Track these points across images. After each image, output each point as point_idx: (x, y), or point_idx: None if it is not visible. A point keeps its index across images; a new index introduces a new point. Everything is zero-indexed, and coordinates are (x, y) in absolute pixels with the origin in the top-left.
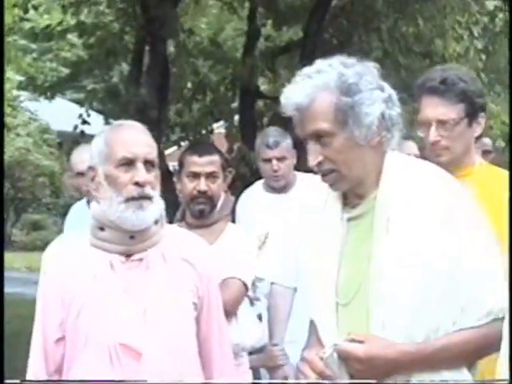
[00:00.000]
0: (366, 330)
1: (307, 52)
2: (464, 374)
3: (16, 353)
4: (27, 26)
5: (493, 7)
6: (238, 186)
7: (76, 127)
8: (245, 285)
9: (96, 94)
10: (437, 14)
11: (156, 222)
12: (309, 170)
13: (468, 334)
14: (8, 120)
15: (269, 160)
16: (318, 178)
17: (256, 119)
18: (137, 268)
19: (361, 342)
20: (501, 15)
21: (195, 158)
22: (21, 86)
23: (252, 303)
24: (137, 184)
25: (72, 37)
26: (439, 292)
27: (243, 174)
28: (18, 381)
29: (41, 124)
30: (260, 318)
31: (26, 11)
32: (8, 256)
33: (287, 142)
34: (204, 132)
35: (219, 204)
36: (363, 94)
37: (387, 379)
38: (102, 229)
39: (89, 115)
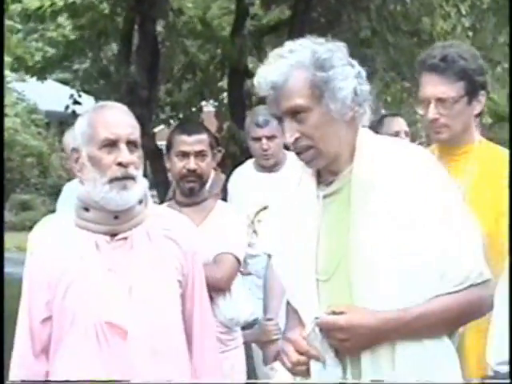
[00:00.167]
0: (347, 303)
1: (295, 31)
2: (445, 342)
3: (8, 331)
4: (18, 7)
5: None
6: (227, 165)
7: (67, 107)
8: (237, 260)
9: (87, 75)
10: None
11: (140, 202)
12: None
13: (447, 299)
14: None
15: (258, 139)
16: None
17: (245, 98)
18: (122, 247)
19: (341, 313)
20: None
21: (184, 137)
22: (13, 68)
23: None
24: (120, 164)
25: (59, 17)
26: (418, 261)
27: (233, 152)
28: (18, 381)
29: (28, 104)
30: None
31: None
32: None
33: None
34: (194, 110)
35: (209, 182)
36: (336, 69)
37: (370, 348)
38: (86, 209)
39: (80, 95)
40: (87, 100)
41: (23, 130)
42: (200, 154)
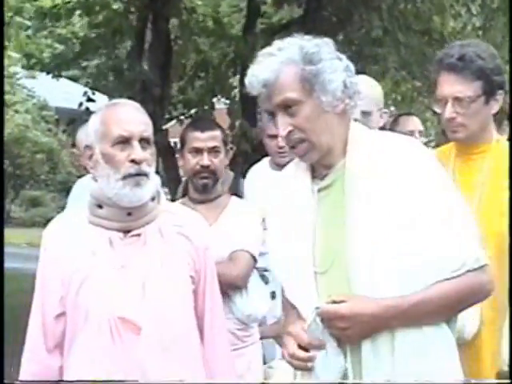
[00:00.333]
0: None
1: (307, 30)
2: (443, 329)
3: (17, 325)
4: (29, 7)
5: None
6: (238, 163)
7: (81, 104)
8: (253, 257)
9: (99, 72)
10: None
11: (153, 199)
12: None
13: (445, 286)
14: (7, 97)
15: (274, 136)
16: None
17: (256, 96)
18: (135, 244)
19: (342, 301)
20: None
21: (197, 134)
22: (28, 65)
23: (263, 277)
24: (133, 161)
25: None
26: (415, 248)
27: (244, 150)
28: (18, 381)
29: (39, 101)
30: (274, 296)
31: None
32: (7, 232)
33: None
34: (206, 108)
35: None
36: (325, 62)
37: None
38: (99, 206)
39: (94, 93)
40: (99, 97)
41: (34, 126)
42: (213, 151)
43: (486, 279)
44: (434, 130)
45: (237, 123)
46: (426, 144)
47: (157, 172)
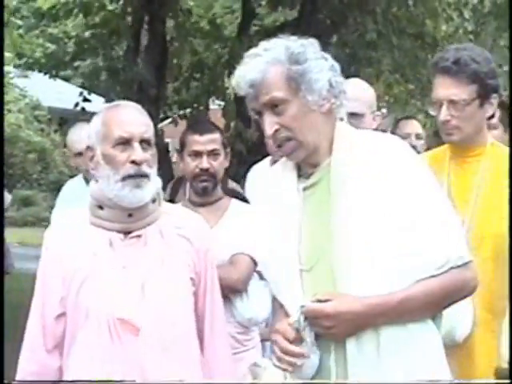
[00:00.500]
0: (331, 291)
1: (301, 32)
2: (429, 325)
3: (11, 323)
4: (27, 8)
5: None
6: (233, 163)
7: (77, 104)
8: (253, 260)
9: (94, 71)
10: None
11: (154, 200)
12: None
13: (429, 283)
14: None
15: None
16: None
17: None
18: (135, 245)
19: (327, 300)
20: None
21: (196, 137)
22: (26, 65)
23: (262, 277)
24: (133, 162)
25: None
26: (400, 246)
27: (239, 151)
28: (17, 382)
29: (31, 100)
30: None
31: None
32: None
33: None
34: (201, 109)
35: None
36: (310, 61)
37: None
38: (100, 207)
39: (90, 93)
40: (94, 97)
41: (26, 126)
42: (212, 153)
43: (470, 276)
44: (425, 133)
45: (232, 124)
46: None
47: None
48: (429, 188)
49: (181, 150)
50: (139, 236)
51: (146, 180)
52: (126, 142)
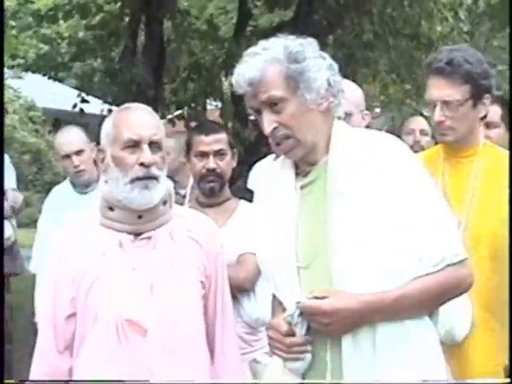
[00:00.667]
0: (328, 288)
1: (298, 33)
2: (425, 322)
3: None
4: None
5: None
6: None
7: (75, 105)
8: None
9: (93, 74)
10: None
11: (165, 203)
12: None
13: (425, 280)
14: None
15: None
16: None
17: None
18: (145, 247)
19: (324, 297)
20: None
21: (202, 138)
22: (25, 67)
23: None
24: (142, 165)
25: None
26: (396, 244)
27: (237, 151)
28: (18, 381)
29: (26, 101)
30: None
31: None
32: None
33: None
34: (199, 109)
35: None
36: (309, 60)
37: (351, 329)
38: (111, 209)
39: (88, 94)
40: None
41: (21, 127)
42: (219, 154)
43: (466, 273)
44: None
45: (229, 124)
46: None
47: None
48: (424, 186)
49: (187, 152)
50: (149, 238)
51: (154, 182)
52: (135, 144)
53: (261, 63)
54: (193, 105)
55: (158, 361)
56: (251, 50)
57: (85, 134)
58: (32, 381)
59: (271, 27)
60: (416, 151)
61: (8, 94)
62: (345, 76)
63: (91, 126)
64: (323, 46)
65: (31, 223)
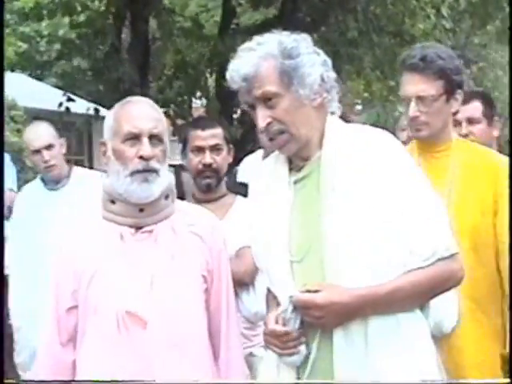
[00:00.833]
0: (321, 282)
1: (283, 30)
2: (417, 315)
3: None
4: (15, 6)
5: None
6: None
7: (61, 104)
8: None
9: (76, 72)
10: None
11: (167, 197)
12: None
13: (417, 274)
14: None
15: None
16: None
17: (233, 95)
18: (146, 240)
19: (316, 291)
20: None
21: (199, 132)
22: (7, 65)
23: None
24: (141, 158)
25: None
26: (388, 238)
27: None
28: (17, 381)
29: (7, 100)
30: None
31: None
32: None
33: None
34: (184, 107)
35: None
36: (303, 56)
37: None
38: (112, 202)
39: (74, 93)
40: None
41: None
42: (215, 149)
43: (457, 267)
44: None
45: None
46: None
47: None
48: (415, 181)
49: (183, 148)
50: (150, 231)
51: (154, 175)
52: (134, 138)
53: (255, 59)
54: (179, 100)
55: (158, 353)
56: (245, 46)
57: (53, 129)
58: (32, 381)
59: (255, 25)
60: None
61: None
62: None
63: (77, 124)
64: None
65: None
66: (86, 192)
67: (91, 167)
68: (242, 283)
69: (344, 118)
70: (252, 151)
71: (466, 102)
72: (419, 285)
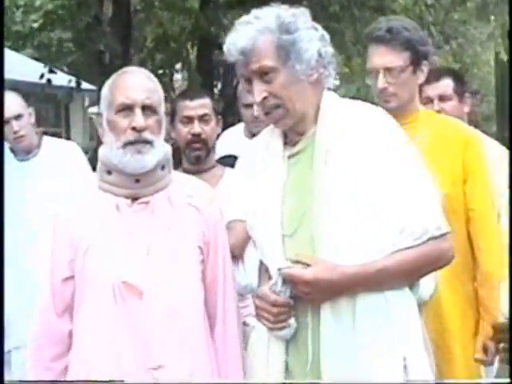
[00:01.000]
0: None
1: (263, 5)
2: (406, 292)
3: None
4: None
5: None
6: None
7: (42, 76)
8: None
9: (60, 44)
10: None
11: (163, 167)
12: None
13: (407, 253)
14: None
15: (250, 105)
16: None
17: (214, 68)
18: (142, 211)
19: (306, 264)
20: None
21: (187, 103)
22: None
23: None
24: (134, 129)
25: None
26: (378, 216)
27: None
28: (17, 381)
29: None
30: None
31: None
32: None
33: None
34: (165, 80)
35: None
36: (301, 31)
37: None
38: (109, 172)
39: (59, 65)
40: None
41: None
42: (203, 119)
43: (447, 246)
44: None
45: None
46: None
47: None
48: (408, 159)
49: (172, 119)
50: (147, 202)
51: (148, 146)
52: (127, 109)
53: (252, 32)
54: (160, 73)
55: (155, 323)
56: (243, 19)
57: (21, 98)
58: (32, 381)
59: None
60: None
61: None
62: None
63: (58, 97)
64: None
65: None
66: (58, 161)
67: (68, 139)
68: (231, 256)
69: None
70: (233, 124)
71: (437, 79)
72: (409, 264)
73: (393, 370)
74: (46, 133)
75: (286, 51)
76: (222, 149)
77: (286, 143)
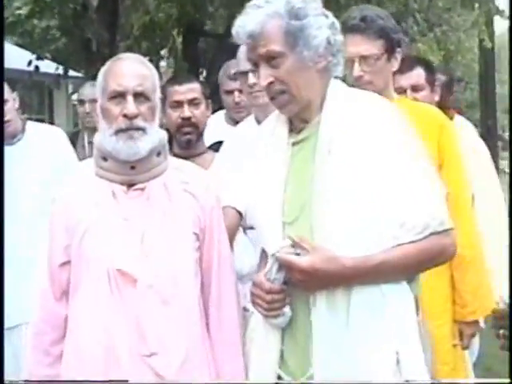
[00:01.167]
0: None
1: None
2: (403, 286)
3: None
4: None
5: None
6: None
7: (30, 63)
8: (239, 213)
9: (47, 32)
10: None
11: (159, 154)
12: None
13: (407, 248)
14: None
15: (231, 92)
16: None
17: (200, 56)
18: (138, 198)
19: (306, 249)
20: None
21: (176, 87)
22: None
23: (245, 231)
24: (125, 116)
25: None
26: (379, 208)
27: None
28: (18, 380)
29: None
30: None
31: None
32: None
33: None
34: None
35: None
36: (310, 17)
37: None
38: (104, 159)
39: (44, 52)
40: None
41: None
42: (193, 103)
43: (449, 242)
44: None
45: None
46: None
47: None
48: (412, 152)
49: (162, 105)
50: (142, 189)
51: (140, 132)
52: (119, 96)
53: (261, 16)
54: (147, 59)
55: (149, 311)
56: (253, 2)
57: (5, 83)
58: (32, 381)
59: None
60: None
61: None
62: None
63: (45, 84)
64: None
65: None
66: (42, 145)
67: None
68: None
69: None
70: (219, 109)
71: (409, 69)
72: (409, 259)
73: (384, 364)
74: (30, 119)
75: (295, 37)
76: (208, 133)
77: (291, 130)
